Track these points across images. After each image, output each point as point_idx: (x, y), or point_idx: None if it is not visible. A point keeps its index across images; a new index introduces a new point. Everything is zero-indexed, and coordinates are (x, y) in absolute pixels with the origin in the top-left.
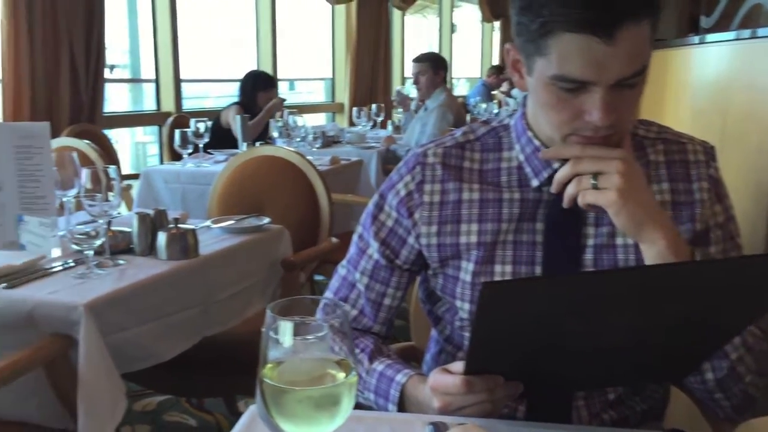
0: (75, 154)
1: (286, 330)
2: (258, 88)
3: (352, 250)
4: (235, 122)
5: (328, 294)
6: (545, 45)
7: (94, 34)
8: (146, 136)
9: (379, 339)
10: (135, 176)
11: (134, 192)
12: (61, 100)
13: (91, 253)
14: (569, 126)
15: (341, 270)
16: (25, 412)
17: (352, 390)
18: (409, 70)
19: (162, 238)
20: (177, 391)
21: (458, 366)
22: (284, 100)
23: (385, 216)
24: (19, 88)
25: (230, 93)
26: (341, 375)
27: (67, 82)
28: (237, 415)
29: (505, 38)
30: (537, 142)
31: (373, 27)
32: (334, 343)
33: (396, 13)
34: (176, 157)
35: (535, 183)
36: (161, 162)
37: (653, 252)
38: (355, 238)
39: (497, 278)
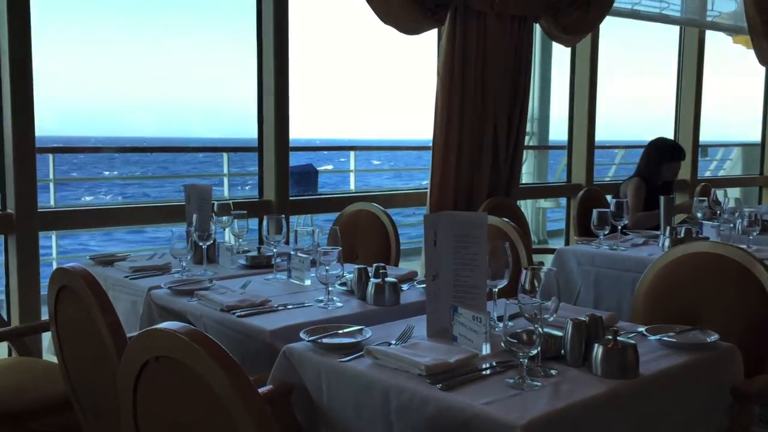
0: (507, 245)
1: None
2: (664, 159)
3: None
4: (631, 198)
5: None
6: None
7: (517, 110)
8: (547, 202)
9: None
10: (544, 251)
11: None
12: (482, 173)
13: (525, 360)
14: None
15: None
16: None
17: None
18: None
19: (598, 351)
20: None
21: None
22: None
23: None
24: (447, 162)
25: (632, 160)
26: None
27: (489, 156)
28: None
29: None
30: None
31: None
32: None
33: None
34: (584, 231)
35: None
36: (566, 234)
37: None
38: None
39: None
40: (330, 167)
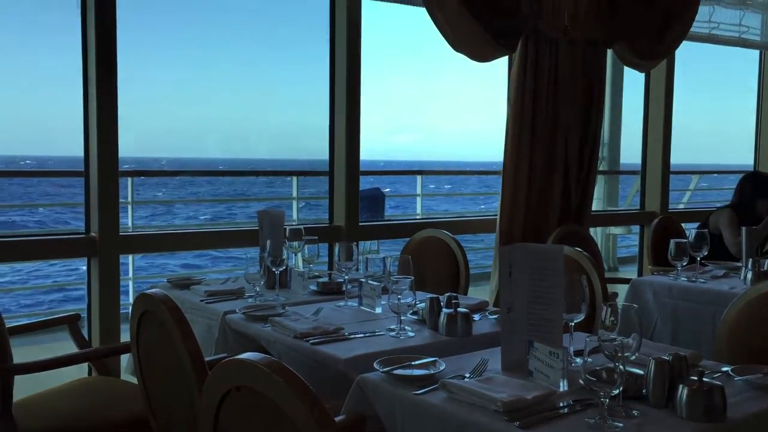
0: (584, 279)
1: None
2: (758, 195)
3: None
4: (727, 229)
5: None
6: None
7: (590, 136)
8: (617, 228)
9: None
10: (617, 280)
11: (621, 301)
12: (553, 200)
13: (606, 400)
14: None
15: None
16: None
17: None
18: None
19: (683, 392)
20: None
21: None
22: None
23: None
24: (518, 189)
25: (715, 187)
26: None
27: (560, 183)
28: None
29: None
30: None
31: None
32: None
33: None
34: (659, 260)
35: None
36: (639, 263)
37: None
38: None
39: None
40: (387, 190)
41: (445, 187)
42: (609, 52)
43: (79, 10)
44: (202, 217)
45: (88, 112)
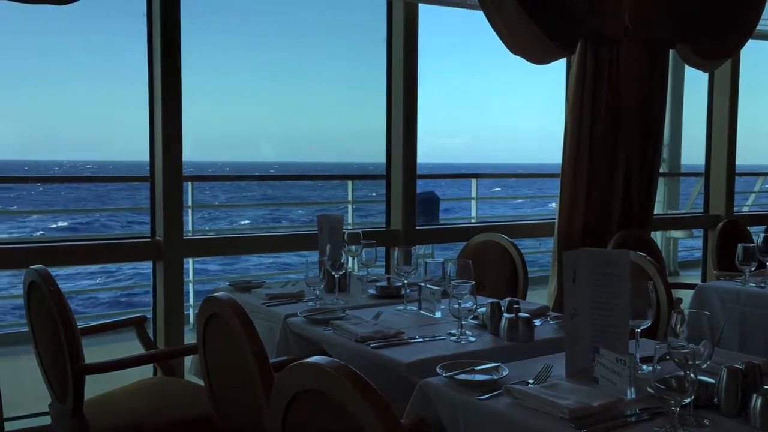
0: (651, 285)
1: None
2: None
3: None
4: None
5: None
6: None
7: (651, 139)
8: (678, 231)
9: None
10: (682, 285)
11: (685, 306)
12: (613, 204)
13: (677, 409)
14: None
15: None
16: None
17: None
18: None
19: (757, 402)
20: None
21: None
22: None
23: None
24: (576, 192)
25: None
26: None
27: (620, 186)
28: None
29: None
30: None
31: None
32: None
33: None
34: (724, 265)
35: None
36: (703, 268)
37: None
38: None
39: None
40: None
41: (494, 190)
42: (670, 51)
43: (145, 18)
44: (243, 222)
45: (154, 119)
